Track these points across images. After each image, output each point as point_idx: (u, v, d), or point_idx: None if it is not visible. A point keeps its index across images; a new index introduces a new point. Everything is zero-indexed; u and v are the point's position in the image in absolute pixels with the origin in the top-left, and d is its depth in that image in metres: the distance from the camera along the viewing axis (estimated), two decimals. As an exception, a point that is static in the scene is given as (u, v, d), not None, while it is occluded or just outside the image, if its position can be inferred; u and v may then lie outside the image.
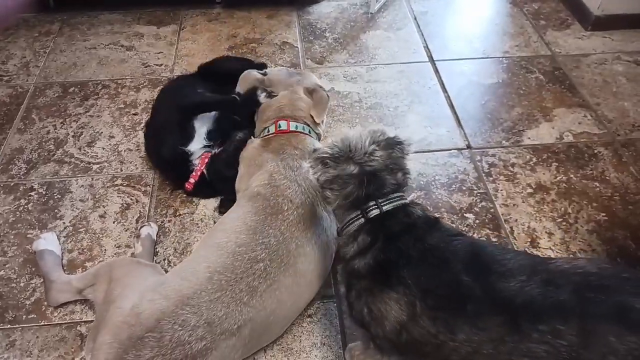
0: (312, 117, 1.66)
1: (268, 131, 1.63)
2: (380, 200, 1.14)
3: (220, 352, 1.18)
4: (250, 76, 1.80)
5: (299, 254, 1.32)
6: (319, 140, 1.70)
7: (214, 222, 1.72)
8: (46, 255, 1.56)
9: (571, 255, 1.64)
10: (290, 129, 1.59)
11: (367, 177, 1.14)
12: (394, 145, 1.19)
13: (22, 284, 1.57)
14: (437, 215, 1.73)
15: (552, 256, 1.64)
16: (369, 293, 1.11)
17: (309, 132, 1.63)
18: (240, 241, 1.28)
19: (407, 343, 1.07)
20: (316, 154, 1.19)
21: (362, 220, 1.15)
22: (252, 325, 1.23)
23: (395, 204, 1.15)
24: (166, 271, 1.58)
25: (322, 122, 1.74)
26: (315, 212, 1.41)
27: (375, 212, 1.14)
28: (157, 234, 1.68)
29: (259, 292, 1.23)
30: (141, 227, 1.66)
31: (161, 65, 2.40)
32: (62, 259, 1.60)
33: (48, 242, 1.60)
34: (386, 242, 1.11)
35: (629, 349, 0.91)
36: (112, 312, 1.22)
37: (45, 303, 1.51)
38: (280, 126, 1.60)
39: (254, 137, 1.72)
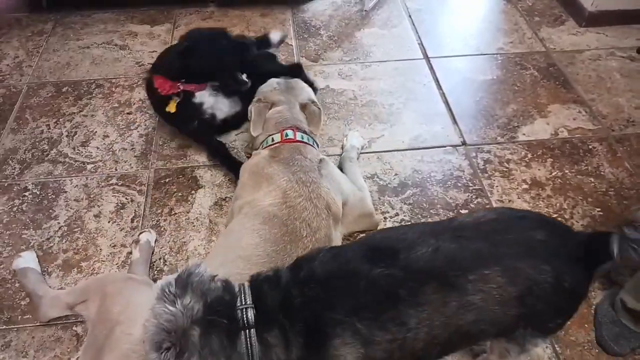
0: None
1: (273, 140, 1.58)
2: (239, 306, 0.96)
3: None
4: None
5: None
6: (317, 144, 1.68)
7: (210, 221, 1.72)
8: (28, 273, 1.53)
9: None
10: (297, 139, 1.57)
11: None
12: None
13: (17, 285, 1.56)
14: (433, 212, 1.75)
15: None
16: None
17: (312, 142, 1.61)
18: None
19: None
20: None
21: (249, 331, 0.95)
22: None
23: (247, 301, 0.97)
24: (160, 274, 1.58)
25: (317, 132, 1.75)
26: (329, 235, 1.39)
27: (249, 314, 0.96)
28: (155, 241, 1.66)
29: None
30: (140, 232, 1.64)
31: (155, 64, 2.39)
32: (43, 276, 1.56)
33: (27, 260, 1.56)
34: (289, 318, 0.96)
35: (546, 277, 0.99)
36: (119, 337, 1.17)
37: (41, 303, 1.51)
38: (287, 135, 1.57)
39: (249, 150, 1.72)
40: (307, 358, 0.95)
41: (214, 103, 1.93)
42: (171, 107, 1.87)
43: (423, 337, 0.98)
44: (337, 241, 1.46)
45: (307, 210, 1.37)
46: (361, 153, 1.96)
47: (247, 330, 0.94)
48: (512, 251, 1.01)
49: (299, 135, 1.57)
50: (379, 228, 1.69)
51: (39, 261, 1.59)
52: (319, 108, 1.71)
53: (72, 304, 1.39)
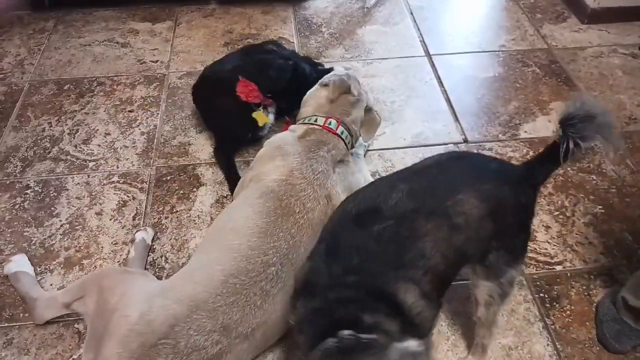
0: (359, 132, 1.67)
1: (316, 121, 1.57)
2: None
3: (234, 355, 1.18)
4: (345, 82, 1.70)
5: (306, 256, 1.31)
6: (353, 148, 1.68)
7: (211, 219, 1.72)
8: (21, 277, 1.52)
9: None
10: (337, 132, 1.56)
11: None
12: None
13: (19, 282, 1.56)
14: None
15: (550, 251, 1.64)
16: None
17: (348, 141, 1.60)
18: (252, 244, 1.26)
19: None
20: None
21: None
22: (265, 328, 1.23)
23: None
24: (162, 272, 1.59)
25: (369, 140, 1.83)
26: (324, 220, 1.38)
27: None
28: (153, 238, 1.66)
29: (271, 295, 1.23)
30: (137, 231, 1.64)
31: (156, 61, 2.39)
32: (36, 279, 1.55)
33: (19, 263, 1.55)
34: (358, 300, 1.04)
35: (507, 195, 1.16)
36: (116, 322, 1.18)
37: (43, 301, 1.51)
38: (330, 123, 1.56)
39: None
40: (393, 316, 1.03)
41: (271, 121, 1.95)
42: (263, 119, 1.90)
43: (440, 260, 1.09)
44: None
45: (305, 191, 1.38)
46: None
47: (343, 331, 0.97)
48: (475, 178, 1.17)
49: (339, 130, 1.56)
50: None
51: (31, 263, 1.58)
52: (380, 117, 1.77)
53: (69, 302, 1.38)
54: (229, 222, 1.38)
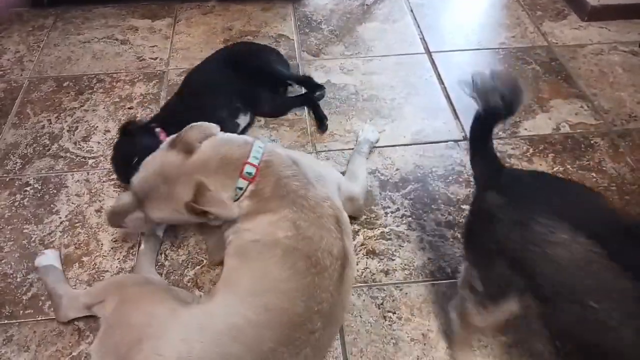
0: None
1: (241, 189, 1.35)
2: None
3: None
4: None
5: (342, 308, 1.29)
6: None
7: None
8: (50, 272, 1.53)
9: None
10: (256, 163, 1.36)
11: None
12: None
13: (18, 279, 1.56)
14: (434, 207, 1.75)
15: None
16: None
17: (269, 145, 1.43)
18: (299, 310, 1.18)
19: None
20: None
21: None
22: None
23: None
24: (162, 268, 1.59)
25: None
26: (346, 253, 1.31)
27: None
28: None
29: (310, 357, 1.19)
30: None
31: (156, 58, 2.38)
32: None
33: (50, 258, 1.56)
34: None
35: None
36: (148, 356, 1.10)
37: (43, 298, 1.51)
38: (248, 172, 1.34)
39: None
40: None
41: None
42: None
43: None
44: (351, 248, 1.37)
45: (324, 239, 1.27)
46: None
47: None
48: None
49: (253, 156, 1.35)
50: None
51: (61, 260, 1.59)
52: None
53: (90, 304, 1.38)
54: (269, 276, 1.24)
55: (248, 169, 1.34)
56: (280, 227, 1.28)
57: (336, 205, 1.39)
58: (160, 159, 1.38)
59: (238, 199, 1.34)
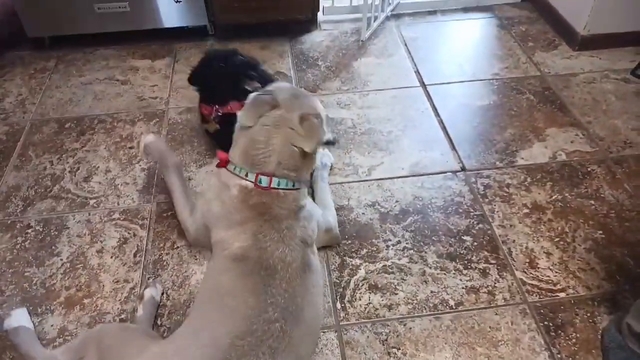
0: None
1: (246, 175, 1.44)
2: None
3: None
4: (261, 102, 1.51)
5: (304, 305, 1.30)
6: (310, 177, 1.59)
7: (211, 253, 1.71)
8: (21, 333, 1.47)
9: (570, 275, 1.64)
10: (272, 186, 1.43)
11: None
12: None
13: (19, 323, 1.55)
14: (435, 239, 1.75)
15: (552, 278, 1.64)
16: None
17: (293, 185, 1.47)
18: (250, 303, 1.24)
19: None
20: None
21: None
22: None
23: None
24: (164, 309, 1.58)
25: (317, 150, 1.53)
26: (305, 260, 1.39)
27: None
28: (161, 294, 1.62)
29: (280, 351, 1.20)
30: (145, 287, 1.60)
31: (156, 98, 2.42)
32: (36, 333, 1.51)
33: (20, 318, 1.51)
34: None
35: None
36: None
37: (44, 342, 1.50)
38: (260, 181, 1.43)
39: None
40: None
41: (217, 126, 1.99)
42: (213, 126, 1.99)
43: None
44: (315, 260, 1.45)
45: (279, 249, 1.35)
46: (362, 181, 1.98)
47: None
48: None
49: (274, 182, 1.43)
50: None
51: (32, 310, 1.56)
52: (316, 121, 1.48)
53: None
54: (219, 285, 1.34)
55: (263, 180, 1.45)
56: (240, 238, 1.38)
57: (310, 233, 1.46)
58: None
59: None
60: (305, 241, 1.42)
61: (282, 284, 1.29)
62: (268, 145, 1.44)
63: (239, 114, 1.52)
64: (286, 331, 1.22)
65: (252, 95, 1.54)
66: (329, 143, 1.60)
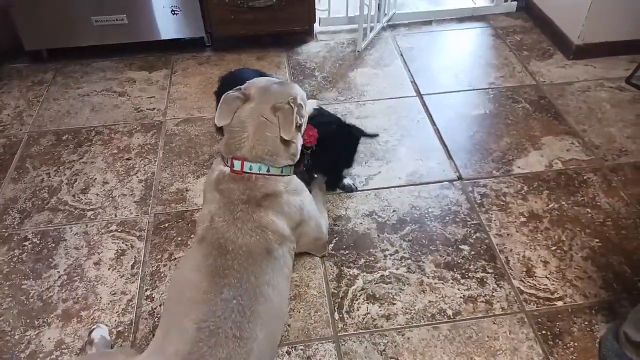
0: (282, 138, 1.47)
1: (225, 163, 1.48)
2: None
3: None
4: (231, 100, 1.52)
5: (260, 283, 1.33)
6: (293, 162, 1.54)
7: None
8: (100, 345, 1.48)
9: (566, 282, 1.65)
10: (244, 170, 1.45)
11: None
12: None
13: (16, 337, 1.55)
14: (432, 248, 1.75)
15: (550, 287, 1.64)
16: None
17: (268, 170, 1.46)
18: (205, 288, 1.28)
19: None
20: None
21: None
22: (257, 353, 1.24)
23: None
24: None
25: (295, 138, 1.49)
26: (268, 248, 1.40)
27: None
28: (146, 289, 1.64)
29: (245, 323, 1.24)
30: (91, 330, 1.52)
31: (153, 109, 2.43)
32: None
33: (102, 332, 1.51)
34: None
35: None
36: None
37: (41, 355, 1.49)
38: (235, 166, 1.45)
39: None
40: None
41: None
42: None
43: None
44: (284, 257, 1.44)
45: (229, 232, 1.38)
46: (360, 190, 1.98)
47: None
48: None
49: (246, 167, 1.45)
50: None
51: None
52: (292, 106, 1.47)
53: None
54: (181, 275, 1.41)
55: (236, 164, 1.47)
56: (202, 219, 1.44)
57: (270, 219, 1.44)
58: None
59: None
60: (264, 227, 1.40)
61: (234, 264, 1.32)
62: (243, 132, 1.47)
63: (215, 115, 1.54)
64: (246, 305, 1.26)
65: (223, 95, 1.54)
66: (365, 135, 1.89)
